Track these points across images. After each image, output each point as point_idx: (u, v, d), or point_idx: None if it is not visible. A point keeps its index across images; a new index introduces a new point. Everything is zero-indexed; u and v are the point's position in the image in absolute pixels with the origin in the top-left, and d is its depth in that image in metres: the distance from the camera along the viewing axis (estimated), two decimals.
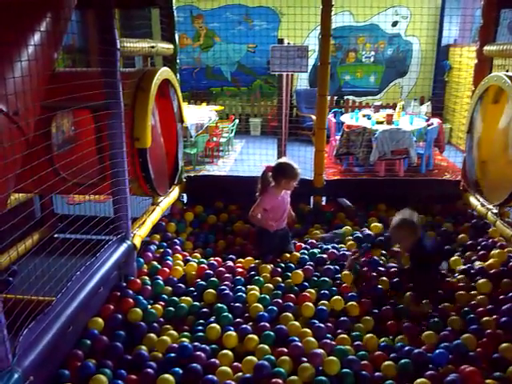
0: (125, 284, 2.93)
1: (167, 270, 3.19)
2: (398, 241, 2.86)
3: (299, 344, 2.38)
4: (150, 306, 2.77)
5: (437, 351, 2.31)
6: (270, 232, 3.30)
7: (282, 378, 2.16)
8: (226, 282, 3.02)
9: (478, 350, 2.33)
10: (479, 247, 3.41)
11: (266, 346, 2.39)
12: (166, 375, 2.16)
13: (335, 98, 10.26)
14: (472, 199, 4.02)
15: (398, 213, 2.93)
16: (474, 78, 4.08)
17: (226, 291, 2.89)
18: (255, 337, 2.46)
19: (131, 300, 2.76)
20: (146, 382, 2.18)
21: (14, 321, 1.83)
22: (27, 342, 1.87)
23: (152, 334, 2.53)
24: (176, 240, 3.67)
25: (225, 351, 2.39)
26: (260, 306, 2.73)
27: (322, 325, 2.56)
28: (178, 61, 4.21)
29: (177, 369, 2.23)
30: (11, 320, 1.78)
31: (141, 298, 2.81)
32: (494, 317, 2.56)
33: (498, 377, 2.16)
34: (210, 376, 2.17)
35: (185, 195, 4.51)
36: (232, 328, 2.56)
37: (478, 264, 3.14)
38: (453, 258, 3.21)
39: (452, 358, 2.28)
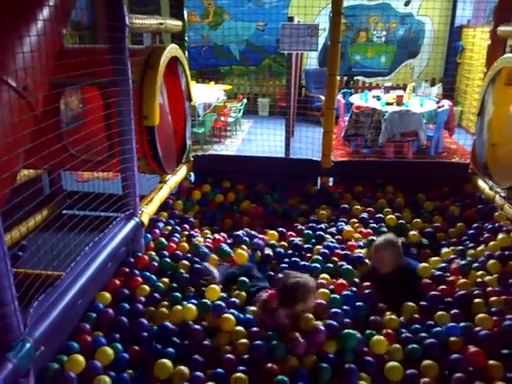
0: (132, 260, 2.97)
1: (173, 245, 3.24)
2: (378, 261, 2.73)
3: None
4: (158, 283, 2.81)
5: (449, 325, 2.35)
6: None
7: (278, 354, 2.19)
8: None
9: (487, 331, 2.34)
10: (485, 231, 3.40)
11: None
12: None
13: (345, 78, 10.14)
14: (480, 182, 4.00)
15: (381, 236, 2.83)
16: (487, 59, 4.01)
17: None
18: None
19: (139, 278, 2.80)
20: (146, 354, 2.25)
21: (24, 294, 1.87)
22: (38, 313, 1.91)
23: (152, 308, 2.58)
24: (184, 217, 3.74)
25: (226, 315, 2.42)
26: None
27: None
28: (186, 38, 4.16)
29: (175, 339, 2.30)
30: (21, 293, 1.82)
31: (148, 273, 2.86)
32: (504, 297, 2.57)
33: (504, 354, 2.19)
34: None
35: (192, 174, 4.53)
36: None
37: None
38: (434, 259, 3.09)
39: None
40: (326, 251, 3.14)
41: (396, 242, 2.77)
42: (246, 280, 2.74)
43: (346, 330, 2.26)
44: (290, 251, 3.20)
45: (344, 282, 2.75)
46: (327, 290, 2.66)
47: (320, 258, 3.05)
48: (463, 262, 2.98)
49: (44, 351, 1.89)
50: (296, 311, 2.32)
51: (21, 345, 1.70)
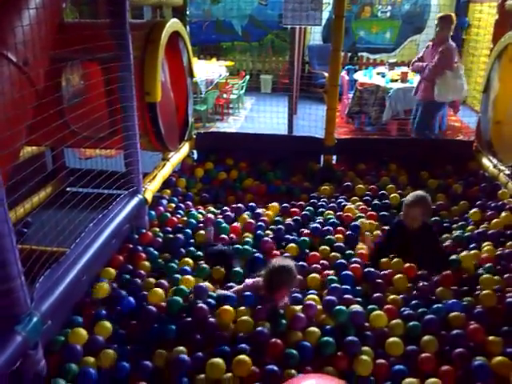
0: (136, 236, 2.99)
1: (175, 219, 3.28)
2: (410, 217, 2.81)
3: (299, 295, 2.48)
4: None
5: (450, 301, 2.38)
6: None
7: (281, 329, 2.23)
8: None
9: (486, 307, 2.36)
10: (488, 209, 3.40)
11: None
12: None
13: (349, 54, 9.99)
14: (484, 160, 3.97)
15: (412, 192, 2.93)
16: (494, 34, 3.93)
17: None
18: None
19: (143, 254, 2.83)
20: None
21: (30, 270, 1.89)
22: (44, 288, 1.94)
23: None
24: (187, 194, 3.77)
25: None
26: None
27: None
28: (187, 13, 4.09)
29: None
30: (27, 269, 1.84)
31: (151, 249, 2.88)
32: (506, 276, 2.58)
33: (505, 331, 2.20)
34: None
35: (195, 152, 4.51)
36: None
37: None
38: None
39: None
40: (323, 227, 3.16)
41: (428, 198, 2.84)
42: (241, 271, 2.76)
43: (338, 307, 2.30)
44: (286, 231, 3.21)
45: (358, 265, 2.73)
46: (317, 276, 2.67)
47: (306, 238, 3.06)
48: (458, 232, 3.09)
49: (51, 325, 1.92)
50: (288, 291, 2.41)
51: (28, 318, 1.72)
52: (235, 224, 3.26)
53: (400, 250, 2.86)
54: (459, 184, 3.84)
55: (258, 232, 3.16)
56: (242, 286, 2.51)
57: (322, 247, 2.98)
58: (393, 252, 2.90)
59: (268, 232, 3.18)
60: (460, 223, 3.30)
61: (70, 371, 1.96)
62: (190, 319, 2.28)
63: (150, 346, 2.16)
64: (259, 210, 3.46)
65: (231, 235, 3.13)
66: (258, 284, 2.44)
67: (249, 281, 2.52)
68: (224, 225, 3.18)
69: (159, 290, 2.46)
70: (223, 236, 3.09)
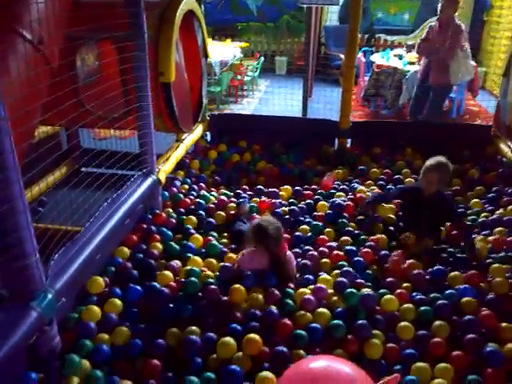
0: (150, 216, 3.01)
1: (188, 201, 3.29)
2: (426, 181, 2.79)
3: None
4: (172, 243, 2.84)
5: (462, 287, 2.37)
6: None
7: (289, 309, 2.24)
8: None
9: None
10: (504, 195, 3.33)
11: None
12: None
13: (366, 35, 9.78)
14: (502, 145, 3.89)
15: (433, 157, 2.89)
16: None
17: None
18: None
19: (156, 235, 2.84)
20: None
21: (45, 248, 1.91)
22: (58, 266, 1.96)
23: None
24: (201, 176, 3.78)
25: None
26: None
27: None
28: None
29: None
30: (42, 246, 1.86)
31: (164, 229, 2.90)
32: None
33: None
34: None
35: (208, 133, 4.50)
36: None
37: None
38: None
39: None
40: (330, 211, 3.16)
41: (448, 165, 2.82)
42: None
43: (349, 289, 2.30)
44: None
45: (369, 250, 2.73)
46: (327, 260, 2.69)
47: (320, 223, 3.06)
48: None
49: (65, 302, 1.95)
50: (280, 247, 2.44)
51: (43, 295, 1.75)
52: (264, 198, 3.34)
53: (411, 219, 2.87)
54: (476, 169, 3.78)
55: (277, 210, 3.18)
56: (237, 265, 2.48)
57: (329, 230, 2.99)
58: (405, 221, 2.92)
59: (285, 209, 3.22)
60: (475, 209, 3.26)
61: (84, 347, 1.99)
62: (204, 301, 2.29)
63: (163, 324, 2.18)
64: (274, 190, 3.50)
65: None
66: (253, 253, 2.43)
67: (240, 258, 2.50)
68: (252, 204, 3.26)
69: (168, 272, 2.48)
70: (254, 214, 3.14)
